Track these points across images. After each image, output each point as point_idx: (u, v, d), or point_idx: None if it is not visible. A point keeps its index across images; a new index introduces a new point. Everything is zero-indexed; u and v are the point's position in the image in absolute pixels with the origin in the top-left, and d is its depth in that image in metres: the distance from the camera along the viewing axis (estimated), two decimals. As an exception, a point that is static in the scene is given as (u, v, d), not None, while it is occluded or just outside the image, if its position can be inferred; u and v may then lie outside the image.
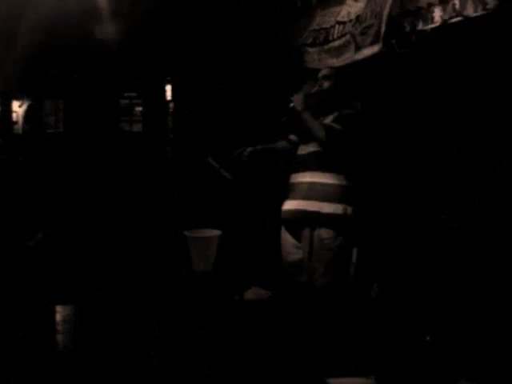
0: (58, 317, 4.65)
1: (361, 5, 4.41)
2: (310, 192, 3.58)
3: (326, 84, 3.69)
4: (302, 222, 3.65)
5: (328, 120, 3.61)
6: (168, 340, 4.10)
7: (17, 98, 9.60)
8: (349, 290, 3.74)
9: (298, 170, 3.71)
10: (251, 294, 4.80)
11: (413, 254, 4.17)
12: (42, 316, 4.64)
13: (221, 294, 4.75)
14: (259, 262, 5.04)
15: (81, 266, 5.92)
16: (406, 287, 4.17)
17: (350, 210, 3.55)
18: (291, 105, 3.64)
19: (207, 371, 3.57)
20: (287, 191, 3.76)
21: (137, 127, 10.12)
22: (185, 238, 5.20)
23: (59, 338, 4.23)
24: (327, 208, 3.53)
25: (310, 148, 3.66)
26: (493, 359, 3.28)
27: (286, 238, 3.78)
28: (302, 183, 3.65)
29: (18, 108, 9.67)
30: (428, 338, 3.72)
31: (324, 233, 3.55)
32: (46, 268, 5.74)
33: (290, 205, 3.72)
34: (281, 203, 3.83)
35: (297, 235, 3.71)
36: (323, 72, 3.79)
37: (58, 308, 4.81)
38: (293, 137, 3.90)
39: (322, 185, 3.55)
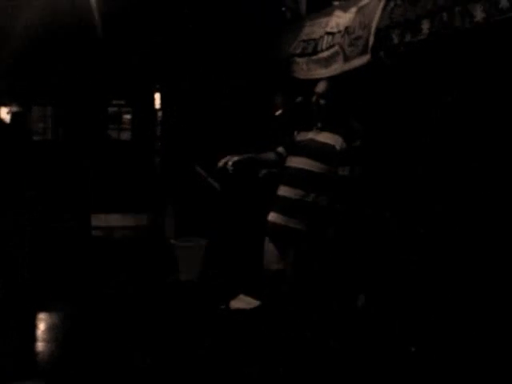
0: (42, 325, 4.62)
1: (350, 16, 4.43)
2: (293, 208, 3.56)
3: (321, 102, 3.63)
4: (285, 236, 3.64)
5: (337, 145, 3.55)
6: (154, 347, 4.08)
7: (5, 105, 9.56)
8: (334, 302, 3.74)
9: (284, 183, 3.69)
10: (238, 302, 4.78)
11: (399, 264, 4.18)
12: (27, 323, 4.61)
13: (207, 302, 4.73)
14: (246, 270, 5.04)
15: (68, 273, 5.89)
16: (392, 298, 4.17)
17: (331, 229, 3.55)
18: (277, 113, 3.63)
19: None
20: (273, 202, 3.73)
21: (125, 135, 10.09)
22: (172, 246, 5.19)
23: (44, 346, 4.20)
24: (307, 226, 3.52)
25: (297, 164, 3.64)
26: (476, 368, 3.29)
27: (270, 248, 3.76)
28: (286, 198, 3.62)
29: (6, 115, 9.61)
30: (413, 349, 3.72)
31: (306, 248, 3.53)
32: (31, 275, 5.70)
33: (273, 217, 3.69)
34: (266, 212, 3.81)
35: (281, 247, 3.69)
36: (317, 89, 3.72)
37: (43, 316, 4.78)
38: (280, 149, 3.84)
39: (305, 202, 3.54)
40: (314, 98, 3.65)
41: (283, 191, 3.65)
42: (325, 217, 3.52)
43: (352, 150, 3.50)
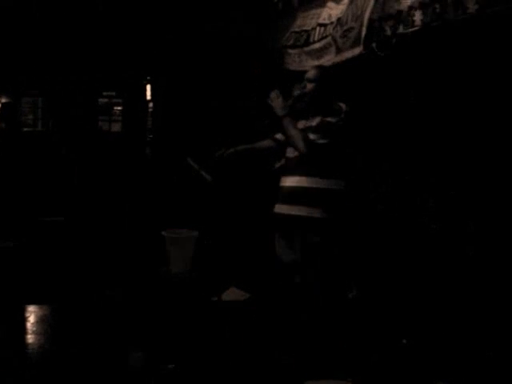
0: (34, 318, 4.60)
1: (342, 7, 4.42)
2: (298, 197, 3.55)
3: (309, 86, 3.63)
4: (292, 226, 3.61)
5: (313, 124, 3.54)
6: (145, 340, 4.07)
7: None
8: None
9: (286, 173, 3.67)
10: (229, 294, 4.78)
11: (391, 256, 4.18)
12: (16, 317, 4.60)
13: (199, 294, 4.72)
14: (237, 262, 5.03)
15: (59, 266, 5.86)
16: (384, 290, 4.18)
17: (333, 213, 3.53)
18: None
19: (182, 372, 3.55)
20: (278, 194, 3.71)
21: (116, 127, 10.05)
22: (162, 238, 5.16)
23: (34, 338, 4.18)
24: (314, 212, 3.50)
25: (296, 152, 3.62)
26: (467, 360, 3.30)
27: (279, 240, 3.75)
28: (290, 187, 3.61)
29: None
30: (404, 341, 3.73)
31: (313, 237, 3.52)
32: (24, 269, 5.68)
33: (279, 208, 3.68)
34: (260, 205, 3.79)
35: (289, 237, 3.67)
36: (307, 74, 3.72)
37: (35, 308, 4.76)
38: (279, 136, 3.82)
39: (308, 189, 3.52)
40: (303, 84, 3.65)
41: (285, 181, 3.65)
42: (324, 202, 3.51)
43: (327, 124, 3.48)
